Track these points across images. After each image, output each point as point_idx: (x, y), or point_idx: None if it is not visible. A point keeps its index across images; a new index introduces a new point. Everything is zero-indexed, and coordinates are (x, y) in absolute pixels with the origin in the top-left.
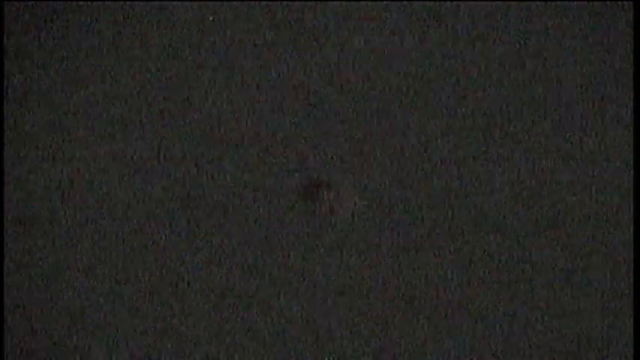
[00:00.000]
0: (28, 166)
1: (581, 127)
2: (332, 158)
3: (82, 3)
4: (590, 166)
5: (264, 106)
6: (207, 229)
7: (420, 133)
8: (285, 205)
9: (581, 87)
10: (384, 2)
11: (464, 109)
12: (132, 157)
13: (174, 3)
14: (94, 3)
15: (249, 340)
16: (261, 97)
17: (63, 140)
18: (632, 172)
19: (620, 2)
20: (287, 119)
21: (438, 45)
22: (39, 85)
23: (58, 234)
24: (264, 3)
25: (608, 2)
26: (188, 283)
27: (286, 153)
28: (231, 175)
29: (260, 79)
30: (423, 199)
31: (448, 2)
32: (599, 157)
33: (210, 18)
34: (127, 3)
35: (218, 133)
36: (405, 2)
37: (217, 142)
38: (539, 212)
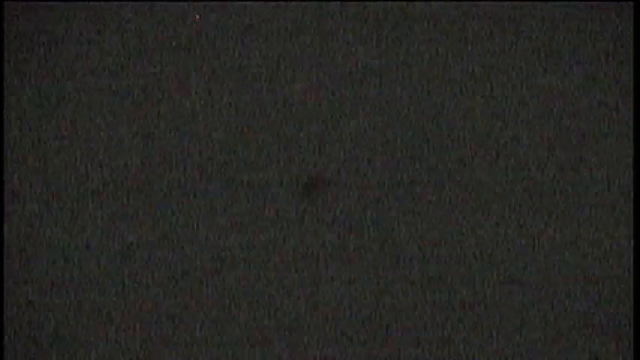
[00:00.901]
0: (26, 165)
1: (581, 127)
2: (332, 157)
3: (81, 3)
4: (590, 165)
5: (263, 105)
6: (206, 228)
7: (423, 132)
8: (285, 204)
9: (581, 87)
10: (389, 3)
11: (465, 109)
12: (129, 156)
13: (175, 3)
14: (94, 3)
15: (249, 340)
16: (260, 96)
17: (62, 140)
18: (632, 171)
19: (620, 2)
20: (287, 118)
21: (438, 46)
22: (39, 85)
23: (59, 231)
24: (268, 3)
25: (608, 2)
26: (186, 282)
27: (285, 151)
28: (230, 174)
29: (260, 78)
30: (425, 197)
31: (450, 3)
32: (599, 156)
33: (197, 16)
34: (127, 3)
35: (216, 131)
36: (409, 6)
37: (216, 142)
38: (543, 210)
